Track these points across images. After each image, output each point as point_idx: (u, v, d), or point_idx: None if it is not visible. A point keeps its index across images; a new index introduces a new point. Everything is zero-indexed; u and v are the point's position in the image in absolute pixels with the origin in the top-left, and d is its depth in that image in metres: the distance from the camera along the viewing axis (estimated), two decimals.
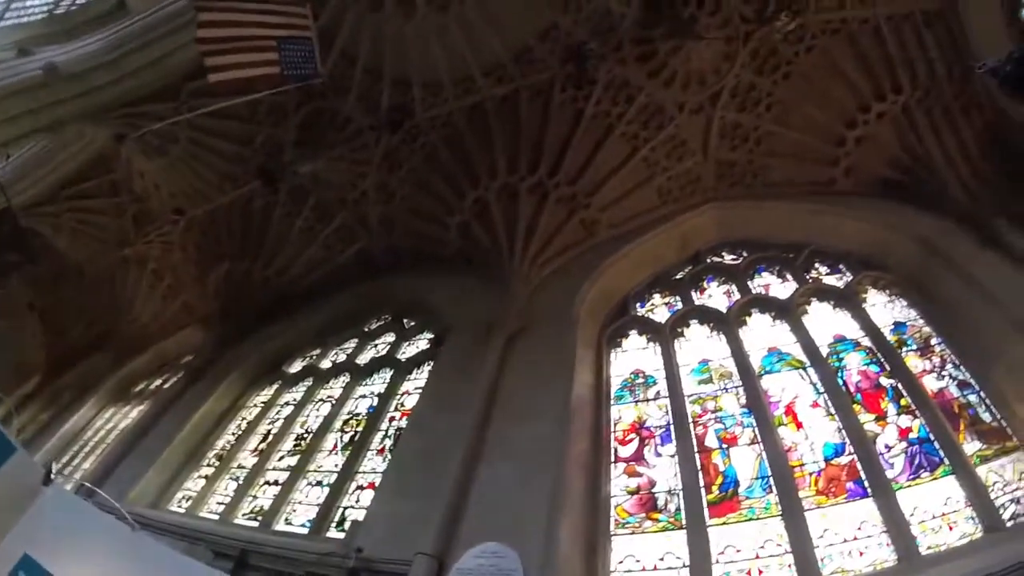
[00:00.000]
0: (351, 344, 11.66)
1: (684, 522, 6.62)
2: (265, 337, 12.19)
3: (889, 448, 6.66)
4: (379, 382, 10.40)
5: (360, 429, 9.49)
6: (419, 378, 10.05)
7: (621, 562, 6.41)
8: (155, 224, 12.84)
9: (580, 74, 10.27)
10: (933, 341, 7.89)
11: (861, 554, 5.76)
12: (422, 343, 10.91)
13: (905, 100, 9.53)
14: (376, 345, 11.42)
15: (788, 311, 8.98)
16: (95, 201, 12.89)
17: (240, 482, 9.47)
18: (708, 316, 9.49)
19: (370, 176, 11.58)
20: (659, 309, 10.02)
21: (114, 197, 12.76)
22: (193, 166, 11.93)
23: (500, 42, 10.18)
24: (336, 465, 8.98)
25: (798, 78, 10.01)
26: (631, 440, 7.94)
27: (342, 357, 11.40)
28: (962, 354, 7.50)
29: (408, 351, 10.89)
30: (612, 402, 8.56)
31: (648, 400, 8.44)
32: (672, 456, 7.47)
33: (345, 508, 8.20)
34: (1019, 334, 6.87)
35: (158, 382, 13.95)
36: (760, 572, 5.95)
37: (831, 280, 9.41)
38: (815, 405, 7.48)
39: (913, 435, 6.71)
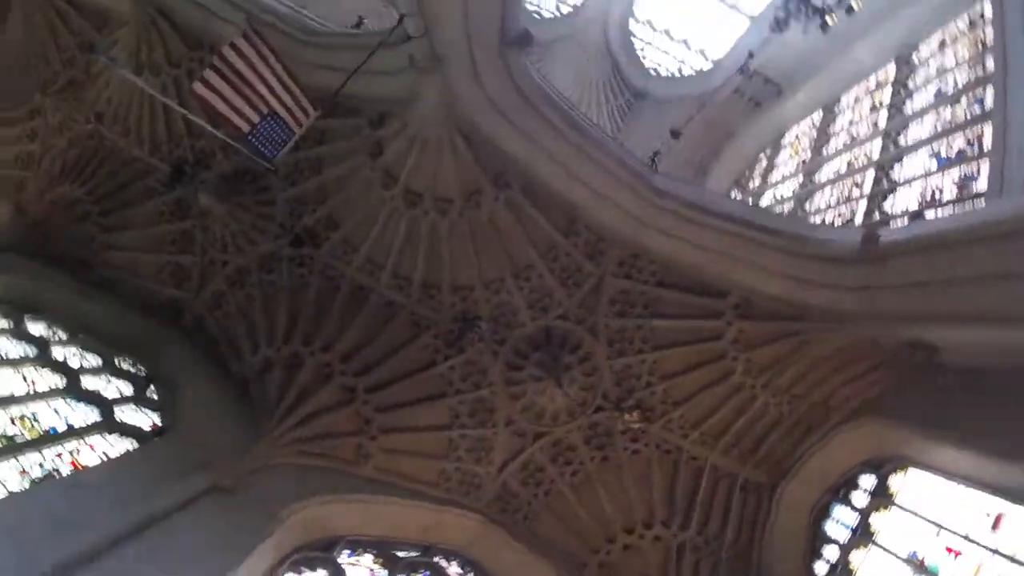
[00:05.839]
0: (94, 360, 10.01)
1: None
2: (46, 277, 10.53)
3: None
4: (80, 413, 8.74)
5: (28, 437, 7.75)
6: (114, 445, 8.52)
7: None
8: (76, 104, 11.67)
9: (457, 337, 10.75)
10: None
11: None
12: (144, 421, 9.34)
13: (685, 539, 10.23)
14: (110, 381, 9.73)
15: None
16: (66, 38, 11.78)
17: None
18: None
19: (242, 257, 10.97)
20: (361, 570, 9.20)
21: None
22: (150, 103, 11.07)
23: (426, 267, 10.60)
24: None
25: (612, 466, 10.73)
26: None
27: (76, 363, 9.66)
28: None
29: (127, 416, 9.24)
30: None
31: None
32: None
33: None
34: None
35: None
36: None
37: None
38: None
39: None
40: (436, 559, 10.06)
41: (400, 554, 9.80)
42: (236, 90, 7.97)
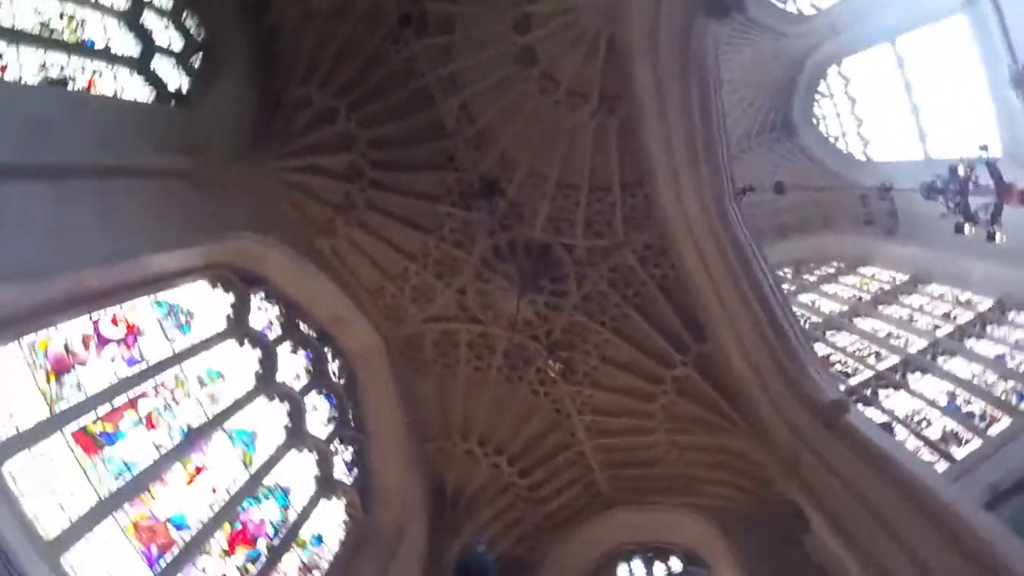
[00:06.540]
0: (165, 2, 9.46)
1: None
2: None
3: None
4: (123, 42, 8.33)
5: (66, 38, 7.48)
6: (134, 89, 8.32)
7: None
8: None
9: (473, 194, 10.84)
10: None
11: None
12: (173, 83, 8.90)
13: (515, 483, 11.11)
14: (168, 28, 9.33)
15: None
16: None
17: None
18: None
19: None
20: (262, 317, 9.62)
21: None
22: None
23: (493, 120, 10.54)
24: None
25: (508, 388, 11.30)
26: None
27: None
28: None
29: (161, 68, 8.84)
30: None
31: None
32: None
33: None
34: None
35: None
36: None
37: None
38: None
39: None
40: (326, 349, 10.56)
41: (301, 326, 10.23)
42: None
